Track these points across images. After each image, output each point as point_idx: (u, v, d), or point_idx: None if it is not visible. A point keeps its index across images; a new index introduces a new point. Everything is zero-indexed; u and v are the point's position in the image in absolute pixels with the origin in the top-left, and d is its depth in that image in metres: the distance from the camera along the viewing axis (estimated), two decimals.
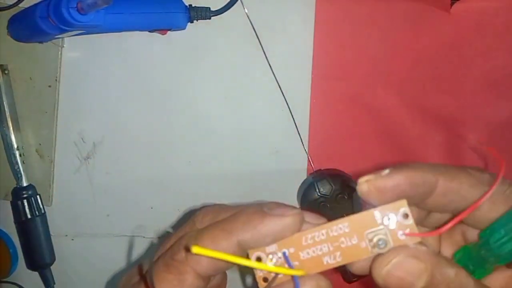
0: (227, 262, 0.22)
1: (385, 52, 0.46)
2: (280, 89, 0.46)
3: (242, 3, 0.44)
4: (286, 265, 0.23)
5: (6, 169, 0.46)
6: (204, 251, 0.20)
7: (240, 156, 0.48)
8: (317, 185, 0.44)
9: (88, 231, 0.49)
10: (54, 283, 0.48)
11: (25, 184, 0.46)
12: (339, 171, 0.47)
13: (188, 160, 0.48)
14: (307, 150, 0.47)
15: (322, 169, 0.46)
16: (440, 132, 0.47)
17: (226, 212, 0.24)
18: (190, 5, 0.43)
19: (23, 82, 0.46)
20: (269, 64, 0.45)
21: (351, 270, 0.23)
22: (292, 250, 0.23)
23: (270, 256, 0.23)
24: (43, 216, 0.46)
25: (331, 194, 0.44)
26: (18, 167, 0.45)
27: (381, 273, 0.21)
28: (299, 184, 0.47)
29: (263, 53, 0.45)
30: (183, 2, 0.43)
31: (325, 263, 0.23)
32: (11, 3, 0.43)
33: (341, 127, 0.47)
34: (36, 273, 0.47)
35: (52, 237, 0.47)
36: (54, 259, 0.48)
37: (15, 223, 0.46)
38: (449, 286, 0.21)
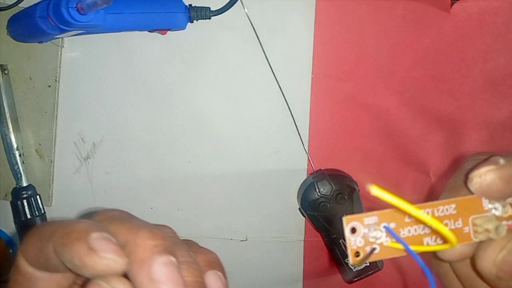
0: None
1: (385, 52, 0.46)
2: (280, 89, 0.46)
3: (242, 3, 0.44)
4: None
5: (6, 169, 0.46)
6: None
7: (240, 156, 0.48)
8: (317, 185, 0.44)
9: None
10: None
11: (25, 184, 0.46)
12: (339, 171, 0.47)
13: (188, 160, 0.48)
14: (307, 150, 0.47)
15: (322, 169, 0.46)
16: (440, 132, 0.47)
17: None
18: (190, 5, 0.43)
19: (22, 82, 0.46)
20: (269, 64, 0.45)
21: (444, 255, 0.22)
22: (393, 225, 0.21)
23: (368, 229, 0.20)
24: (43, 216, 0.46)
25: (331, 194, 0.44)
26: (18, 167, 0.45)
27: (495, 260, 0.20)
28: (299, 184, 0.47)
29: (263, 53, 0.45)
30: (183, 2, 0.43)
31: (425, 244, 0.21)
32: (11, 3, 0.43)
33: (341, 127, 0.47)
34: None
35: None
36: None
37: (15, 223, 0.46)
38: None
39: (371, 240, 0.21)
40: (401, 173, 0.48)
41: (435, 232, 0.21)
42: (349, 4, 0.45)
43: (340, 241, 0.44)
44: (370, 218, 0.20)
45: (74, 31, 0.37)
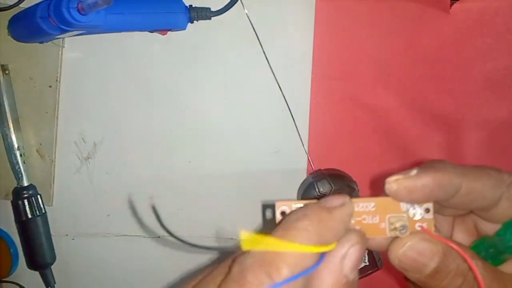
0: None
1: (385, 52, 0.46)
2: (280, 89, 0.46)
3: (242, 3, 0.44)
4: None
5: (6, 169, 0.46)
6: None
7: (240, 156, 0.48)
8: (317, 185, 0.44)
9: (89, 231, 0.49)
10: (55, 283, 0.48)
11: (25, 184, 0.46)
12: (339, 171, 0.47)
13: (188, 160, 0.48)
14: (307, 150, 0.47)
15: (322, 169, 0.46)
16: (440, 132, 0.47)
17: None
18: (190, 5, 0.43)
19: (23, 82, 0.46)
20: (269, 64, 0.45)
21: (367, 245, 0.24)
22: None
23: None
24: (44, 216, 0.47)
25: (330, 194, 0.44)
26: (19, 167, 0.46)
27: (397, 254, 0.23)
28: (299, 184, 0.47)
29: (263, 53, 0.45)
30: (183, 3, 0.43)
31: None
32: (11, 3, 0.43)
33: (341, 127, 0.47)
34: (37, 272, 0.47)
35: (52, 236, 0.47)
36: (55, 259, 0.48)
37: (15, 223, 0.46)
38: (459, 267, 0.22)
39: None
40: None
41: (353, 224, 0.24)
42: (349, 4, 0.45)
43: None
44: (297, 205, 0.24)
45: (74, 32, 0.37)
